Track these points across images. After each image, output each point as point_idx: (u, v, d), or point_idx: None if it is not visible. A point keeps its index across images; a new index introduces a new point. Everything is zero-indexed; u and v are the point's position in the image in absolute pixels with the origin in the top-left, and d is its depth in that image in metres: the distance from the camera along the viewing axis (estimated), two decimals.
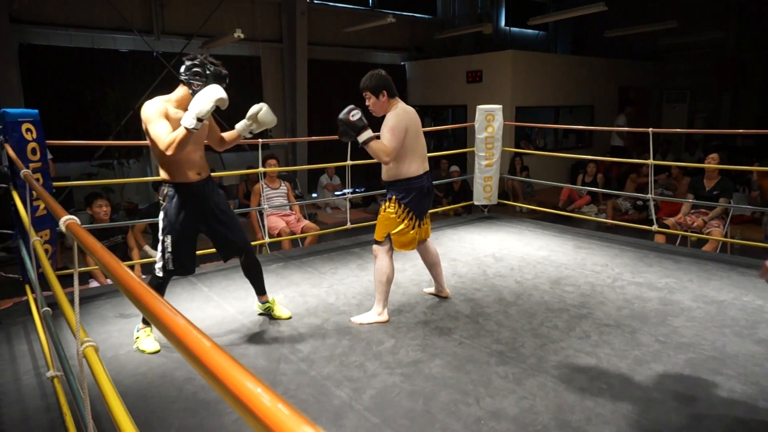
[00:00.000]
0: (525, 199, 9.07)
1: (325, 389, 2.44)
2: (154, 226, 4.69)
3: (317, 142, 9.59)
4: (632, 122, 10.49)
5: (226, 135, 3.04)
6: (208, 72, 2.65)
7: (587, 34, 13.72)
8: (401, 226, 3.13)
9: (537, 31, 13.68)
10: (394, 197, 3.14)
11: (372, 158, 3.10)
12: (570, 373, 2.54)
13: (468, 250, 4.71)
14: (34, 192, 2.69)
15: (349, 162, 4.98)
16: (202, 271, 4.18)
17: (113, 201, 7.37)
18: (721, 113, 12.35)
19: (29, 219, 2.54)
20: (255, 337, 3.03)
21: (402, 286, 3.78)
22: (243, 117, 2.99)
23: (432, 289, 3.64)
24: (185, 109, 2.61)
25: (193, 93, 2.61)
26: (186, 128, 2.48)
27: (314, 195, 9.96)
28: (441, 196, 8.90)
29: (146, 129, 2.63)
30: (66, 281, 2.85)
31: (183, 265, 2.87)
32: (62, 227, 1.40)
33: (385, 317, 3.20)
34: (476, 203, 6.07)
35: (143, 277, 4.10)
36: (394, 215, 3.13)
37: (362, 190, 9.52)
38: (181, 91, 2.73)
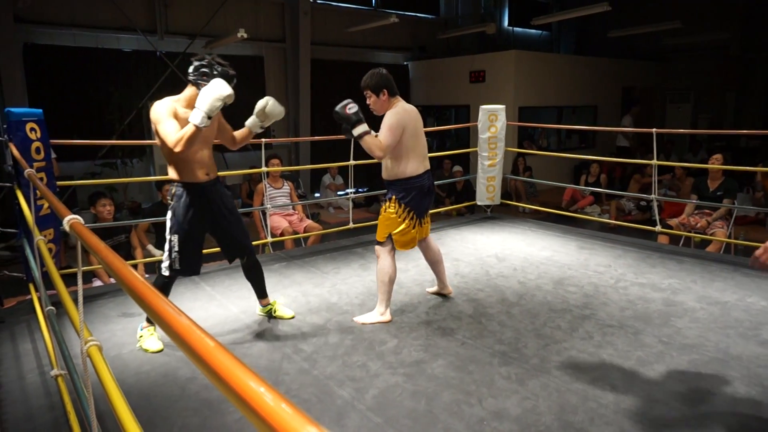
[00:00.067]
0: (528, 199, 9.05)
1: (328, 389, 2.44)
2: (157, 226, 4.70)
3: (320, 142, 9.59)
4: (637, 122, 10.46)
5: (238, 133, 3.05)
6: (215, 72, 2.66)
7: (591, 34, 13.67)
8: (402, 226, 3.13)
9: (540, 31, 13.65)
10: (394, 197, 3.14)
11: (374, 158, 3.11)
12: (573, 374, 2.53)
13: (471, 251, 4.70)
14: (38, 191, 2.70)
15: (351, 162, 4.98)
16: (205, 271, 4.17)
17: (116, 200, 7.39)
18: (725, 114, 12.32)
19: (33, 218, 2.55)
20: (258, 337, 3.04)
21: (404, 286, 3.78)
22: (246, 117, 3.00)
23: (434, 288, 3.63)
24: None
25: None
26: (195, 125, 2.49)
27: (317, 195, 9.97)
28: (444, 196, 8.89)
29: (155, 129, 2.65)
30: (70, 280, 2.86)
31: (189, 264, 2.88)
32: (66, 226, 1.40)
33: (387, 317, 3.20)
34: (479, 203, 6.08)
35: (146, 276, 4.11)
36: (394, 215, 3.13)
37: (365, 190, 9.51)
38: (189, 91, 2.74)
